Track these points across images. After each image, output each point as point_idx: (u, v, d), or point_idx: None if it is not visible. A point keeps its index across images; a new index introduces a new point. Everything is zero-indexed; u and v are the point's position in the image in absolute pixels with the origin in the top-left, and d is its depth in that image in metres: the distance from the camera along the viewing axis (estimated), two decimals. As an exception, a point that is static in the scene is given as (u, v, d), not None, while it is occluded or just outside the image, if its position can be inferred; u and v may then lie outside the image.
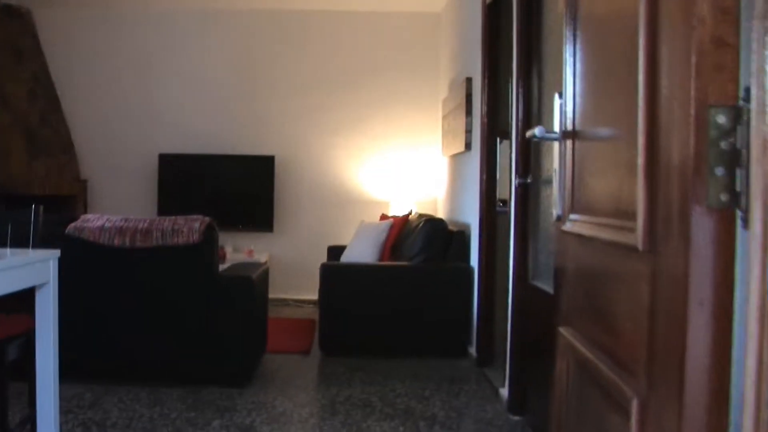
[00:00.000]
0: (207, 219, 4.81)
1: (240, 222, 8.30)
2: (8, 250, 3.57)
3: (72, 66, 8.39)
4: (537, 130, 1.92)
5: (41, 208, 3.78)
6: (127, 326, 4.75)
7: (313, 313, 7.51)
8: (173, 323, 4.73)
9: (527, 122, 4.24)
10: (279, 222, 8.38)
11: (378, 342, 5.81)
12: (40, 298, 3.42)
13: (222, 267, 6.71)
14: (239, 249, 8.31)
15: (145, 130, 8.45)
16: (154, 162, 8.33)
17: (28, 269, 3.27)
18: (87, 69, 8.44)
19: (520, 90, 4.30)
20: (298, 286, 8.30)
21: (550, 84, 3.93)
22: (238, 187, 8.36)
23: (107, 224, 4.73)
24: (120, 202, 8.43)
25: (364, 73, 8.38)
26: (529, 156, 4.21)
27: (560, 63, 1.99)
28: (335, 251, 7.46)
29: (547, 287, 3.82)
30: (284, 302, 8.33)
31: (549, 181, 3.90)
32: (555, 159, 1.95)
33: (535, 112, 4.17)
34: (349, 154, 8.40)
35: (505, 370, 4.66)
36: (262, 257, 7.96)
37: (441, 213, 7.72)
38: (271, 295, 8.23)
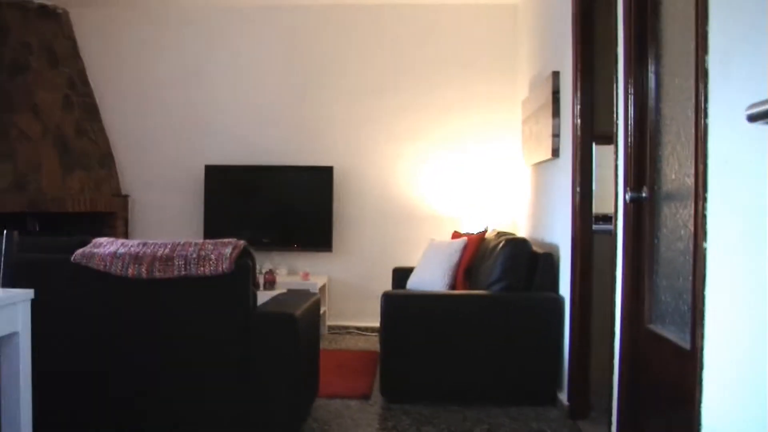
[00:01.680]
0: (241, 243, 3.96)
1: (295, 241, 7.46)
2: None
3: (112, 71, 7.69)
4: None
5: (16, 233, 2.97)
6: (143, 375, 3.91)
7: (377, 343, 6.61)
8: (199, 371, 3.88)
9: (641, 116, 3.28)
10: (339, 241, 7.52)
11: (450, 386, 4.88)
12: (5, 354, 2.61)
13: (270, 294, 5.90)
14: (294, 271, 7.48)
15: (191, 139, 7.69)
16: (201, 174, 7.55)
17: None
18: (128, 74, 7.72)
19: (631, 79, 3.35)
20: (360, 312, 7.43)
21: (674, 68, 2.99)
22: (293, 202, 7.52)
23: (121, 250, 3.92)
24: (165, 219, 7.68)
25: (433, 73, 7.48)
26: (645, 163, 3.26)
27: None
28: (401, 274, 6.58)
29: (674, 336, 2.86)
30: (345, 330, 7.46)
31: (674, 196, 2.94)
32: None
33: (651, 104, 3.22)
34: (417, 164, 7.50)
35: (608, 426, 3.72)
36: (319, 280, 7.12)
37: (521, 231, 6.76)
38: (330, 322, 7.43)
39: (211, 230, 7.39)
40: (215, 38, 7.67)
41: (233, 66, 7.66)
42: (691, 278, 2.60)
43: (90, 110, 7.41)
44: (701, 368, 2.45)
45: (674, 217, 2.94)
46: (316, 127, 7.58)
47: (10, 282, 2.97)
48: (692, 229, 2.58)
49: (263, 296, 5.61)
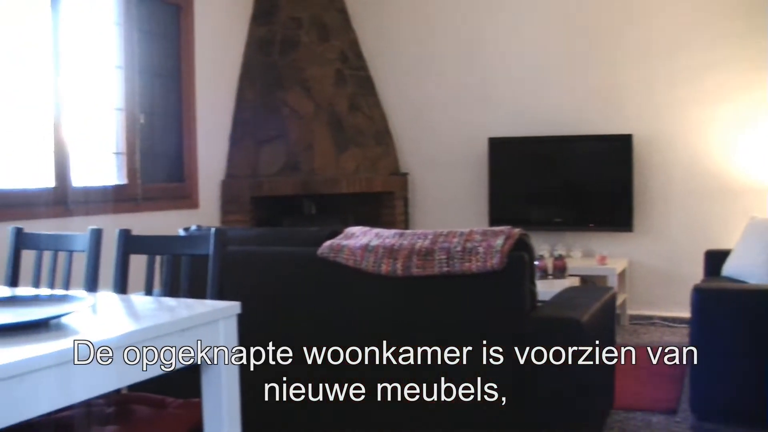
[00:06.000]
0: (515, 232, 3.30)
1: (591, 220, 6.67)
2: (175, 301, 2.34)
3: (386, 42, 7.30)
4: None
5: (223, 232, 2.49)
6: (394, 393, 3.37)
7: (686, 336, 5.65)
8: (463, 386, 3.28)
9: None
10: (640, 219, 6.61)
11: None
12: (206, 381, 2.16)
13: (560, 284, 5.24)
14: (590, 254, 6.69)
15: (472, 110, 7.10)
16: (484, 148, 6.95)
17: (176, 338, 2.00)
18: (403, 44, 7.29)
19: None
20: (666, 300, 6.51)
21: None
22: (587, 176, 6.72)
23: (374, 242, 3.40)
24: (445, 198, 7.20)
25: (746, 20, 6.32)
26: None
27: None
28: (716, 257, 5.59)
29: None
30: (649, 320, 6.57)
31: None
32: None
33: None
34: (734, 129, 6.37)
35: None
36: (618, 264, 6.28)
37: None
38: (631, 312, 6.59)
39: (497, 210, 6.81)
40: (493, 2, 7.02)
41: (513, 30, 6.96)
42: None
43: (364, 84, 7.07)
44: None
45: None
46: (609, 91, 6.70)
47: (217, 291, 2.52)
48: None
49: (550, 286, 4.98)
